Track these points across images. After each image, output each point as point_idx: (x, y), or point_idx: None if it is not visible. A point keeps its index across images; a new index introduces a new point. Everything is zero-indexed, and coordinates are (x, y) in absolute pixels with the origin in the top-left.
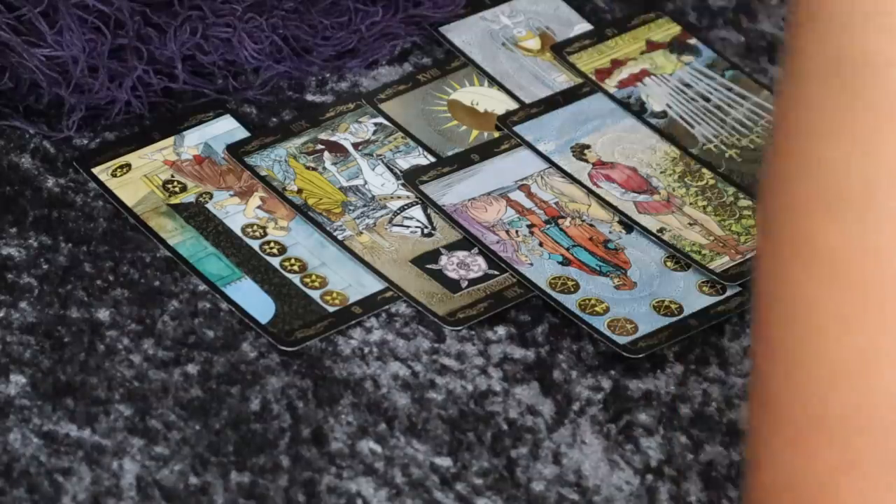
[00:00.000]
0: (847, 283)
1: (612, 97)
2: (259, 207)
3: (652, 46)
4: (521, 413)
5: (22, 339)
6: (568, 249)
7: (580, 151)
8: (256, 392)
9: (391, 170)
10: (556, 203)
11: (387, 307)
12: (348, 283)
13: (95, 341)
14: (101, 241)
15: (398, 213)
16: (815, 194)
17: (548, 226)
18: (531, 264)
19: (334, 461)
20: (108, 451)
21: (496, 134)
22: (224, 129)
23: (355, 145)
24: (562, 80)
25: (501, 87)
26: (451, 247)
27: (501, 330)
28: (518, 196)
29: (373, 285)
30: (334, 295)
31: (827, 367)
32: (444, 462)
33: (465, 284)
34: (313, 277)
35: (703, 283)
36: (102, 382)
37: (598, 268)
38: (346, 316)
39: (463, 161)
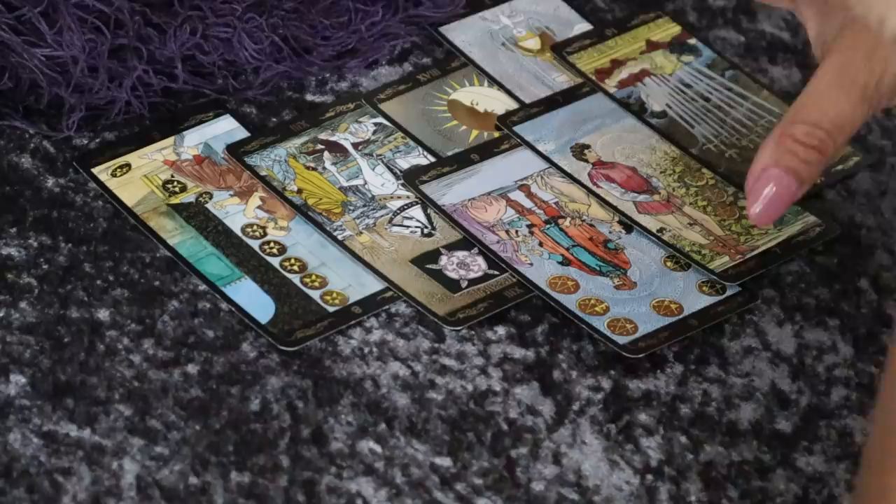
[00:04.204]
0: None
1: (612, 97)
2: (259, 207)
3: (652, 46)
4: (521, 413)
5: (22, 339)
6: (568, 249)
7: (580, 151)
8: (256, 392)
9: (391, 170)
10: (556, 203)
11: (387, 307)
12: (348, 283)
13: (95, 341)
14: (101, 241)
15: (398, 213)
16: None
17: (548, 226)
18: (531, 264)
19: (334, 461)
20: (108, 451)
21: (496, 134)
22: (224, 129)
23: (355, 145)
24: (562, 80)
25: (501, 87)
26: (451, 247)
27: (501, 330)
28: (518, 196)
29: (373, 285)
30: (334, 295)
31: None
32: (444, 462)
33: (465, 284)
34: (313, 277)
35: (703, 283)
36: (102, 382)
37: (598, 268)
38: (346, 316)
39: (463, 161)
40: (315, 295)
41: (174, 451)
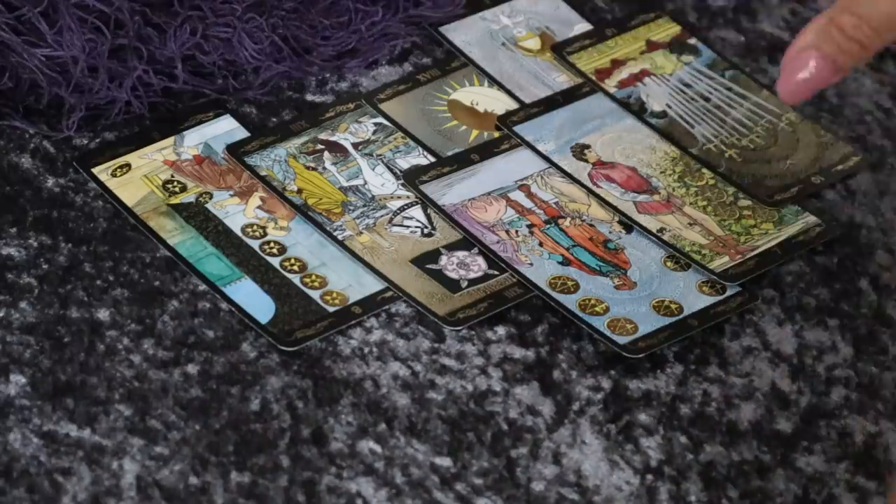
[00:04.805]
0: None
1: (612, 97)
2: (259, 207)
3: (652, 46)
4: (521, 413)
5: (22, 339)
6: (568, 249)
7: (580, 151)
8: (256, 392)
9: (391, 170)
10: (556, 203)
11: (387, 307)
12: (348, 283)
13: (95, 341)
14: (101, 241)
15: (398, 213)
16: None
17: (548, 226)
18: (531, 264)
19: (334, 461)
20: (108, 451)
21: (496, 134)
22: (224, 129)
23: (355, 145)
24: (562, 80)
25: (501, 87)
26: (451, 247)
27: (501, 330)
28: (518, 196)
29: (373, 285)
30: (334, 295)
31: None
32: (444, 462)
33: (465, 284)
34: (313, 277)
35: (703, 283)
36: (102, 382)
37: (598, 268)
38: (346, 316)
39: (463, 161)
40: (315, 295)
41: (174, 451)
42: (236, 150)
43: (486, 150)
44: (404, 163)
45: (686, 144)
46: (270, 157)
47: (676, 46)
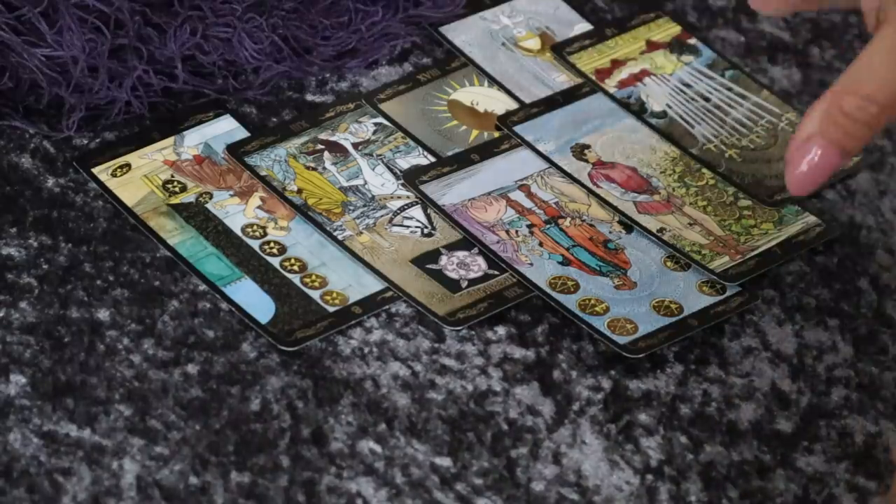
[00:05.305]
0: None
1: (612, 97)
2: (259, 207)
3: (652, 46)
4: (521, 413)
5: (22, 339)
6: (568, 249)
7: (580, 151)
8: (256, 392)
9: (391, 170)
10: (556, 203)
11: (387, 307)
12: (348, 283)
13: (95, 341)
14: (101, 241)
15: (398, 213)
16: None
17: (548, 226)
18: (531, 264)
19: (334, 461)
20: (108, 451)
21: (496, 134)
22: (224, 129)
23: (355, 145)
24: (562, 80)
25: (501, 87)
26: (451, 247)
27: (501, 330)
28: (518, 196)
29: (373, 285)
30: (334, 295)
31: None
32: (444, 462)
33: (465, 284)
34: (313, 277)
35: (703, 283)
36: (102, 382)
37: (598, 268)
38: (346, 316)
39: (463, 161)
40: (315, 295)
41: (174, 451)
42: (236, 150)
43: (486, 150)
44: (404, 163)
45: (686, 144)
46: (270, 157)
47: (676, 46)
